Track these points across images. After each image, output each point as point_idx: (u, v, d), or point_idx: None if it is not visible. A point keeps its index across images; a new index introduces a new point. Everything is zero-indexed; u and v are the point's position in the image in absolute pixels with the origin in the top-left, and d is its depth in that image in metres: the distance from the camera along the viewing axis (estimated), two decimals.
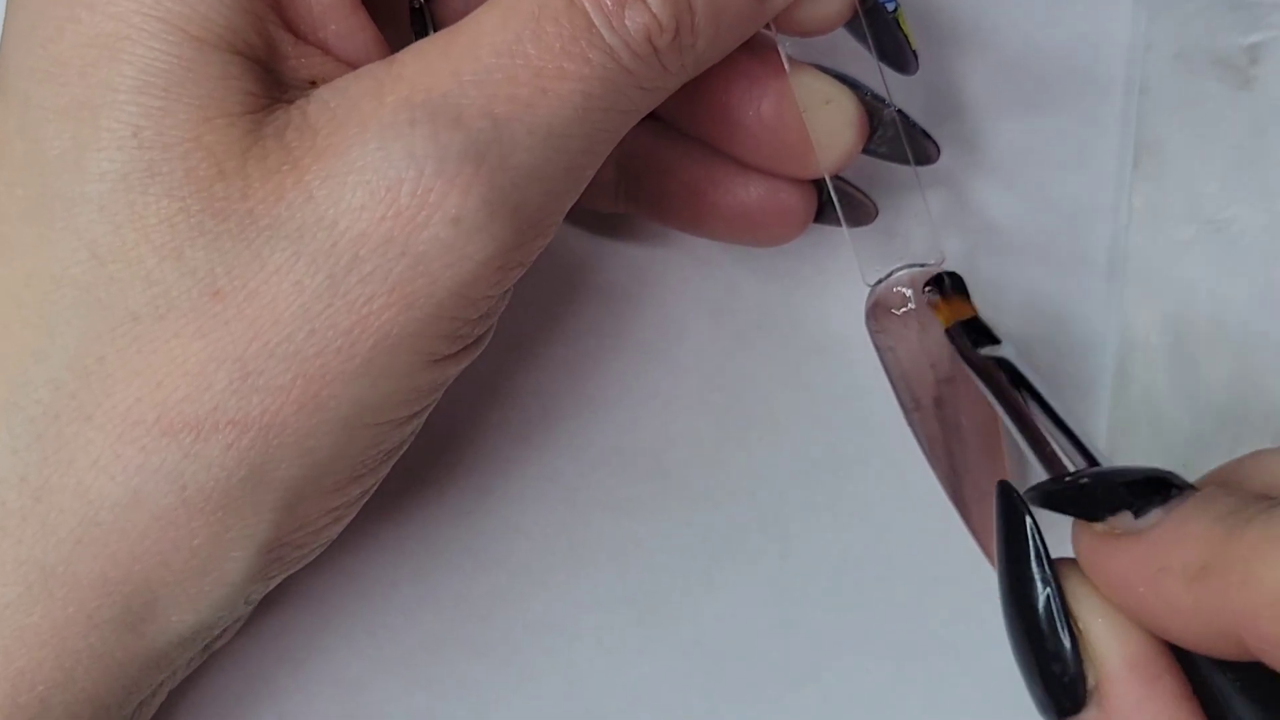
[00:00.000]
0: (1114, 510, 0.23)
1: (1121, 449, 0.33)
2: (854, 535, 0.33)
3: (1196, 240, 0.33)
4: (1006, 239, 0.34)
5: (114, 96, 0.23)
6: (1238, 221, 0.33)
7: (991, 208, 0.34)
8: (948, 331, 0.29)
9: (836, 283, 0.32)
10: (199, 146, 0.23)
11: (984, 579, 0.32)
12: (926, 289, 0.30)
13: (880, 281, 0.31)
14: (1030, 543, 0.24)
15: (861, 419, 0.33)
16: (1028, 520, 0.24)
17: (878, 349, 0.31)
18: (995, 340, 0.28)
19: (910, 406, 0.31)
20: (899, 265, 0.30)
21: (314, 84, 0.25)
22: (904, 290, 0.30)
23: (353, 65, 0.25)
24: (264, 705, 0.32)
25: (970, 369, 0.28)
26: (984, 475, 0.31)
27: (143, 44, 0.23)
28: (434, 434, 0.32)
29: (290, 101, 0.24)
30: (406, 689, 0.32)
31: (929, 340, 0.30)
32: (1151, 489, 0.23)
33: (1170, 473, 0.23)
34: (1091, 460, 0.25)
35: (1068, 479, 0.24)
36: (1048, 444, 0.26)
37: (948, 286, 0.30)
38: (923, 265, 0.30)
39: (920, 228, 0.30)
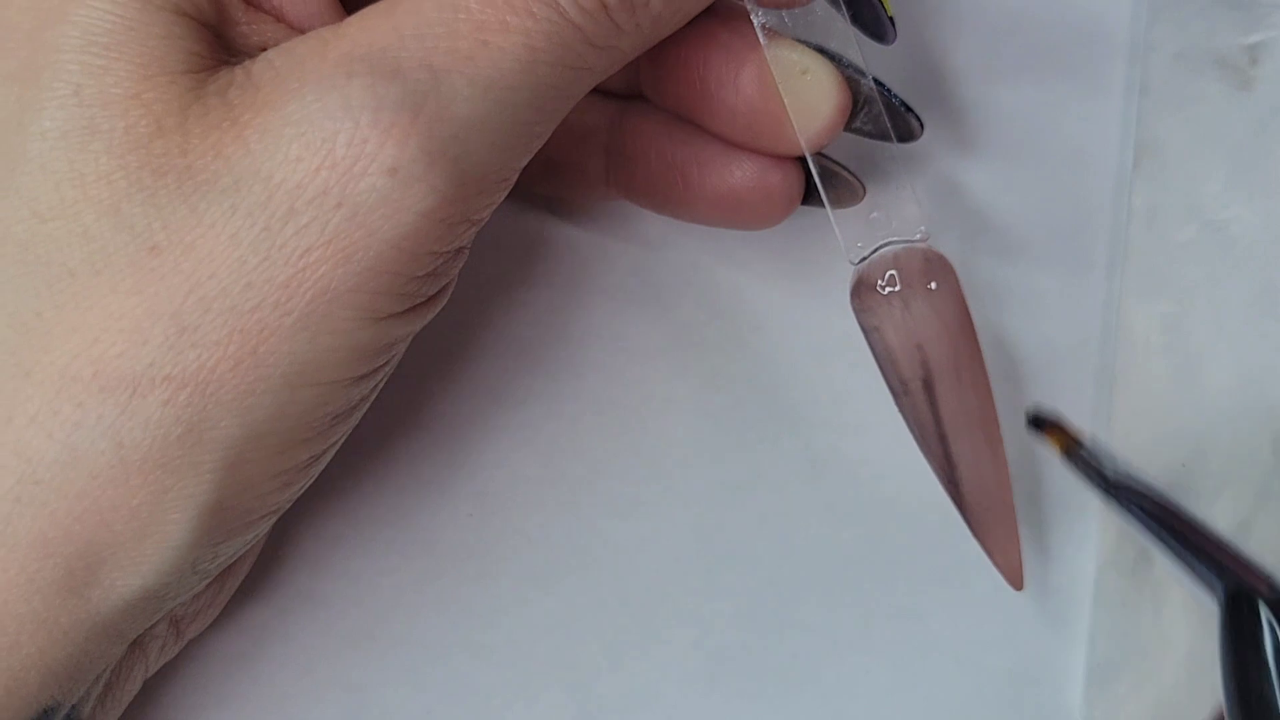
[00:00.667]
0: None
1: (1121, 450, 0.32)
2: (855, 535, 0.33)
3: (1196, 240, 0.33)
4: (1006, 239, 0.34)
5: (58, 57, 0.23)
6: (1238, 221, 0.33)
7: (991, 208, 0.34)
8: (1072, 458, 0.28)
9: (836, 282, 0.32)
10: (139, 104, 0.23)
11: (984, 579, 0.31)
12: (1033, 421, 0.30)
13: (864, 260, 0.30)
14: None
15: (861, 418, 0.33)
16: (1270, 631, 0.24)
17: (863, 330, 0.30)
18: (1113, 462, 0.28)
19: (899, 390, 0.30)
20: (882, 242, 0.30)
21: (264, 49, 0.25)
22: (888, 268, 0.30)
23: (305, 32, 0.25)
24: (266, 708, 0.32)
25: (1105, 494, 0.28)
26: (980, 463, 0.30)
27: (88, 5, 0.23)
28: (436, 436, 0.33)
29: (238, 64, 0.24)
30: (410, 693, 0.32)
31: (914, 318, 0.30)
32: None
33: None
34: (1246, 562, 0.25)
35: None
36: (1217, 553, 0.26)
37: (1046, 420, 0.29)
38: (906, 242, 0.30)
39: (903, 204, 0.30)
